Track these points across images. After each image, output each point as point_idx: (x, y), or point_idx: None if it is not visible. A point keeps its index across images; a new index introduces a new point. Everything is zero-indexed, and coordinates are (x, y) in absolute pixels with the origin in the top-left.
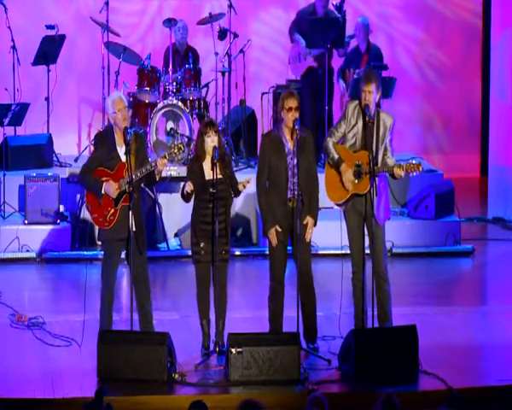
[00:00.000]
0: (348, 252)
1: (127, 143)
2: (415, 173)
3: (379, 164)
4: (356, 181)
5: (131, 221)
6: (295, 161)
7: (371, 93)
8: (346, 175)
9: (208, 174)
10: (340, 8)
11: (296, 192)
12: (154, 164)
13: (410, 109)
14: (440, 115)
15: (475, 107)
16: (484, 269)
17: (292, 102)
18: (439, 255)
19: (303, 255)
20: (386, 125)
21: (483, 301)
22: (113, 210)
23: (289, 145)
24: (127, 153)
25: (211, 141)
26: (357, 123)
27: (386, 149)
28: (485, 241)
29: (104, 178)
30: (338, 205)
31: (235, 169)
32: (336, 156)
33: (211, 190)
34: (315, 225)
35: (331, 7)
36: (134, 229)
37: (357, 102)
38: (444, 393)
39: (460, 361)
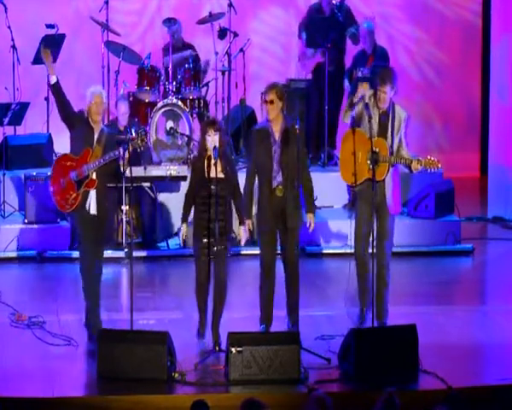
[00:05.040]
0: (348, 251)
1: (100, 140)
2: (433, 170)
3: (394, 154)
4: (372, 168)
5: (90, 203)
6: (280, 151)
7: (386, 93)
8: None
9: (210, 171)
10: (340, 7)
11: (282, 181)
12: (117, 152)
13: (410, 108)
14: (440, 114)
15: (475, 106)
16: (484, 268)
17: (267, 95)
18: (439, 255)
19: (290, 248)
20: (400, 118)
21: (483, 301)
22: (75, 194)
23: (276, 136)
24: (97, 142)
25: (211, 140)
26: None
27: (400, 142)
28: (485, 240)
29: (68, 164)
30: (352, 187)
31: (241, 166)
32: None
33: (212, 187)
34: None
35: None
36: (94, 212)
37: (366, 93)
38: (443, 392)
39: (460, 361)
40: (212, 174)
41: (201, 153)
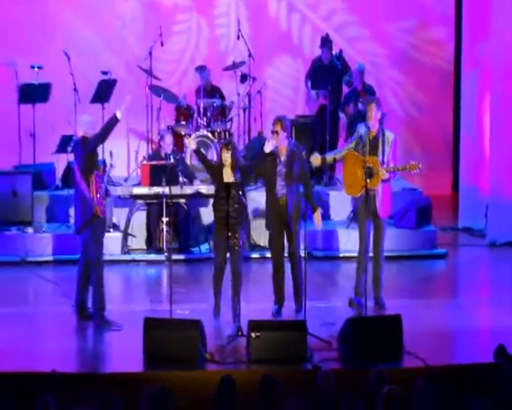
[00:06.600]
0: (347, 255)
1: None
2: (415, 171)
3: (386, 165)
4: (368, 180)
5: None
6: (284, 170)
7: (372, 110)
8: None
9: (226, 178)
10: (339, 57)
11: (285, 193)
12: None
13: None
14: (419, 143)
15: (448, 136)
16: (456, 269)
17: (273, 127)
18: (419, 258)
19: (294, 245)
20: (389, 140)
21: (455, 295)
22: (104, 201)
23: (281, 158)
24: None
25: (224, 157)
26: (362, 137)
27: (389, 158)
28: (457, 246)
29: (97, 179)
30: (354, 198)
31: (252, 188)
32: None
33: (233, 191)
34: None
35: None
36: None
37: (363, 125)
38: (423, 369)
39: (436, 344)
40: (228, 180)
41: (219, 164)
